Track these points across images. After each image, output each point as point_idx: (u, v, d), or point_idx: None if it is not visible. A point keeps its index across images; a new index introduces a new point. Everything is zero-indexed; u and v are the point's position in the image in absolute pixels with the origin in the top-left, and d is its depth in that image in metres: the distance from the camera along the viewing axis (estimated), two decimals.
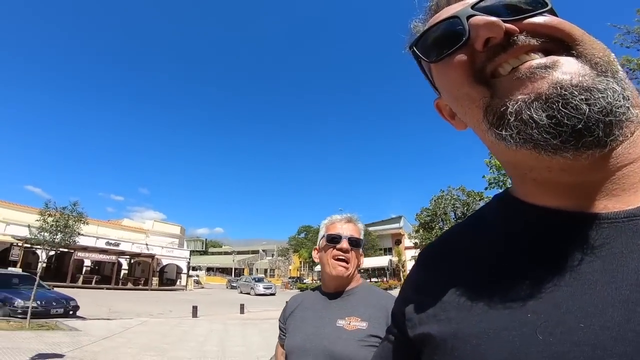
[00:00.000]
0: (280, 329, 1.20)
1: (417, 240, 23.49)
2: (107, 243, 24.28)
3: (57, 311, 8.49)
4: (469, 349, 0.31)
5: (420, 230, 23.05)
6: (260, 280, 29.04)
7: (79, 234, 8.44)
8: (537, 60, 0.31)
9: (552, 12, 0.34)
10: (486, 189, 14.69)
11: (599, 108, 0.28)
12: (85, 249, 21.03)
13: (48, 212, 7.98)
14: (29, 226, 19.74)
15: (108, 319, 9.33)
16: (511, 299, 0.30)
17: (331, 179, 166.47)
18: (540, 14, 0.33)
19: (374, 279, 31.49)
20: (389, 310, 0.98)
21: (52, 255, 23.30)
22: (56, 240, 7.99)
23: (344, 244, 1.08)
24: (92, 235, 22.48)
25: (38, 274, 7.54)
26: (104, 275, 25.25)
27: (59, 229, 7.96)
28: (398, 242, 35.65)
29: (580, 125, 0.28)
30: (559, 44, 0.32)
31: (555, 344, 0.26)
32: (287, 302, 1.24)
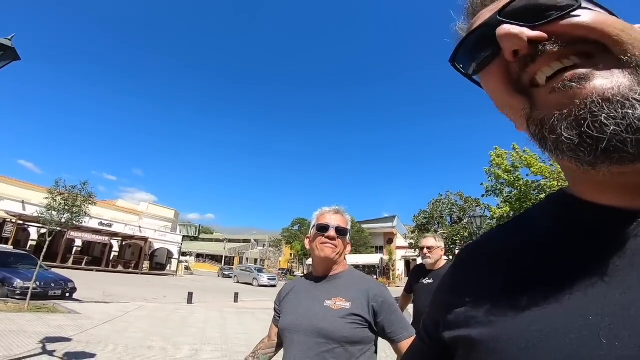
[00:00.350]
0: (275, 310, 1.32)
1: (412, 241, 23.95)
2: (100, 223, 23.76)
3: (55, 293, 8.41)
4: (515, 352, 0.29)
5: (416, 231, 23.54)
6: (262, 270, 28.02)
7: (86, 214, 8.31)
8: (571, 71, 0.29)
9: (591, 5, 0.31)
10: (483, 196, 15.02)
11: (626, 125, 0.26)
12: (78, 228, 20.63)
13: (58, 191, 7.81)
14: (22, 202, 19.54)
15: (105, 302, 9.32)
16: (568, 300, 0.28)
17: (328, 172, 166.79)
18: (569, 13, 0.30)
19: None
20: (370, 292, 1.13)
21: (44, 234, 23.06)
22: (62, 220, 7.85)
23: (332, 232, 1.20)
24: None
25: (42, 255, 7.43)
26: (94, 256, 25.05)
27: (66, 208, 7.79)
28: (390, 241, 36.19)
29: (603, 145, 0.27)
30: (595, 45, 0.29)
31: (622, 347, 0.24)
32: (282, 287, 1.37)
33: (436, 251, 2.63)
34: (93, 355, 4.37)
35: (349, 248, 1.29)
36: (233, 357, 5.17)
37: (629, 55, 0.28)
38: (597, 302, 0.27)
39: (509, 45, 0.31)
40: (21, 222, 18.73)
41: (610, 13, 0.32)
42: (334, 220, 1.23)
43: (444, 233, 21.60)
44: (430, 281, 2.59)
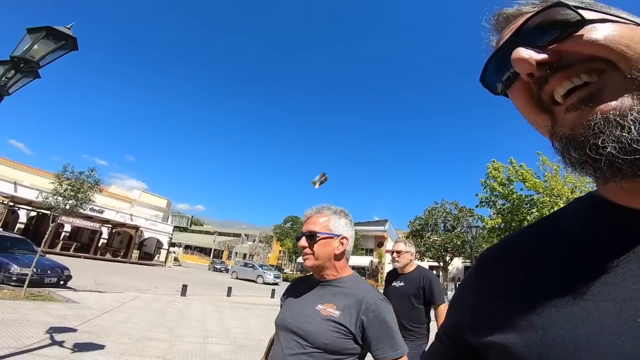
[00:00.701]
0: (280, 305, 1.34)
1: None
2: (92, 209, 22.72)
3: (50, 280, 8.21)
4: (564, 356, 0.28)
5: (410, 237, 24.04)
6: (263, 266, 26.77)
7: (91, 201, 8.17)
8: (579, 92, 0.30)
9: (602, 15, 0.31)
10: (477, 206, 15.40)
11: (619, 148, 0.27)
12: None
13: (65, 177, 7.61)
14: (15, 183, 19.01)
15: (99, 292, 9.25)
16: (611, 302, 0.28)
17: (323, 170, 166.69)
18: (575, 31, 0.30)
19: None
20: (363, 304, 1.08)
21: (33, 217, 22.55)
22: (67, 207, 7.72)
23: (301, 242, 1.19)
24: None
25: (44, 241, 7.31)
26: (82, 242, 24.54)
27: (72, 194, 7.61)
28: (380, 244, 36.58)
29: (601, 165, 0.28)
30: (604, 61, 0.30)
31: None
32: (289, 284, 1.39)
33: (405, 255, 2.72)
34: (102, 347, 4.40)
35: (344, 244, 1.18)
36: (237, 351, 5.28)
37: (634, 72, 0.28)
38: None
39: (521, 69, 0.32)
40: (12, 203, 18.22)
41: (625, 20, 0.32)
42: (306, 227, 1.20)
43: (436, 240, 22.10)
44: (402, 284, 2.67)
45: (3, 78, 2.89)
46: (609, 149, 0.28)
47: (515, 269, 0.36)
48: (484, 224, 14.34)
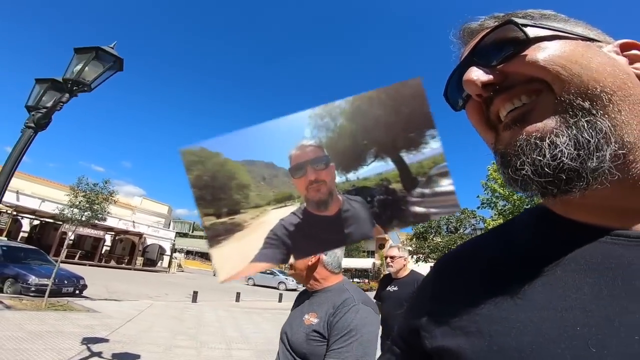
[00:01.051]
0: None
1: (410, 248, 24.66)
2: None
3: (67, 290, 8.34)
4: None
5: (414, 239, 24.32)
6: (284, 273, 26.39)
7: (107, 212, 8.30)
8: (513, 113, 0.32)
9: (550, 32, 0.32)
10: (478, 208, 15.65)
11: (533, 170, 0.29)
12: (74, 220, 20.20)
13: (80, 190, 7.78)
14: (17, 192, 18.93)
15: (115, 300, 9.33)
16: (555, 312, 0.29)
17: None
18: (521, 51, 0.31)
19: (356, 280, 32.71)
20: (334, 307, 1.07)
21: (36, 226, 22.44)
22: (82, 218, 7.84)
23: None
24: None
25: (62, 252, 7.45)
26: (85, 250, 24.46)
27: (87, 206, 7.78)
28: (382, 246, 36.83)
29: (519, 184, 0.30)
30: (542, 82, 0.30)
31: (611, 355, 0.25)
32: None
33: (398, 260, 2.81)
34: (138, 356, 4.53)
35: (313, 260, 1.20)
36: (261, 356, 5.45)
37: (563, 94, 0.29)
38: (583, 314, 0.28)
39: (470, 91, 0.34)
40: (15, 213, 18.16)
41: (576, 35, 0.32)
42: None
43: (440, 242, 22.50)
44: (396, 288, 2.73)
45: (59, 103, 3.03)
46: (524, 171, 0.30)
47: (468, 276, 0.37)
48: (485, 225, 14.59)
